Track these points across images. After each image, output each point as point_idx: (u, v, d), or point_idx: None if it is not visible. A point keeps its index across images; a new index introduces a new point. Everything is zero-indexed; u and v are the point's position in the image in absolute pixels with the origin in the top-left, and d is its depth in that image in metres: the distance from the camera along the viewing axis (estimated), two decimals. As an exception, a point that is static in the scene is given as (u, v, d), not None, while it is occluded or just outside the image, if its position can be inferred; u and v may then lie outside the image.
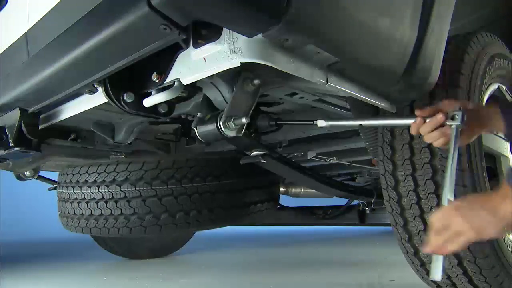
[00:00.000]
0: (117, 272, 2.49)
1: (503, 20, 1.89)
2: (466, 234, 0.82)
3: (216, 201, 1.51)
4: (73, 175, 1.60)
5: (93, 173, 1.53)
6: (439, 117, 0.97)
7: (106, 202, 1.50)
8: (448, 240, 0.83)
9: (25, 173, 2.06)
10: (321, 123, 1.14)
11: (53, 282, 2.18)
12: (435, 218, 0.86)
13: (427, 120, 0.99)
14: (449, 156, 0.95)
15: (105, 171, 1.51)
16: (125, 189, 1.47)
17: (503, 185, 0.82)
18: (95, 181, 1.52)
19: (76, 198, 1.59)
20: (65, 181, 1.64)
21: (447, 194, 0.92)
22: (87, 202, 1.55)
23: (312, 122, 1.16)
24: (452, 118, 0.97)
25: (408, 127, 1.11)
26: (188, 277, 2.23)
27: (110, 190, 1.49)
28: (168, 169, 1.47)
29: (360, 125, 1.17)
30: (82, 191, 1.55)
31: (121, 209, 1.48)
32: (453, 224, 0.82)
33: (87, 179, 1.54)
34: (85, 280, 2.27)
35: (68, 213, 1.63)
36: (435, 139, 1.00)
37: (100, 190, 1.51)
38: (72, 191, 1.59)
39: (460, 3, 1.16)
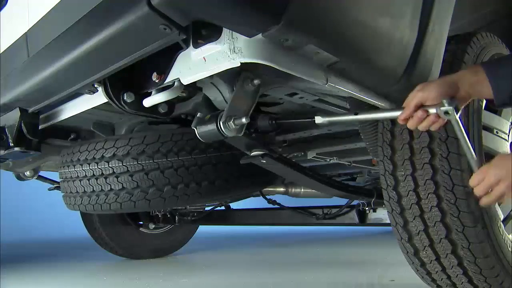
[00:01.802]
0: (117, 272, 2.49)
1: (503, 20, 1.89)
2: (505, 179, 0.87)
3: (203, 174, 1.52)
4: (68, 154, 1.63)
5: (84, 151, 1.57)
6: (419, 114, 0.95)
7: (96, 178, 1.53)
8: (493, 191, 0.89)
9: (25, 173, 2.06)
10: (319, 119, 1.13)
11: (53, 282, 2.18)
12: (472, 181, 0.93)
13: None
14: (461, 141, 0.98)
15: (94, 148, 1.54)
16: (113, 165, 1.50)
17: None
18: (86, 158, 1.55)
19: (71, 177, 1.62)
20: (62, 161, 1.68)
21: (474, 167, 0.96)
22: (80, 180, 1.58)
23: (311, 119, 1.16)
24: (446, 112, 0.95)
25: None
26: (188, 277, 2.23)
27: (99, 167, 1.52)
28: (154, 144, 1.48)
29: (355, 114, 1.16)
30: (76, 169, 1.58)
31: (110, 185, 1.51)
32: (488, 176, 0.89)
33: (79, 158, 1.57)
34: (85, 280, 2.28)
35: (66, 192, 1.67)
36: (427, 128, 0.98)
37: (90, 167, 1.54)
38: (67, 170, 1.63)
39: (460, 3, 1.16)
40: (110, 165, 1.50)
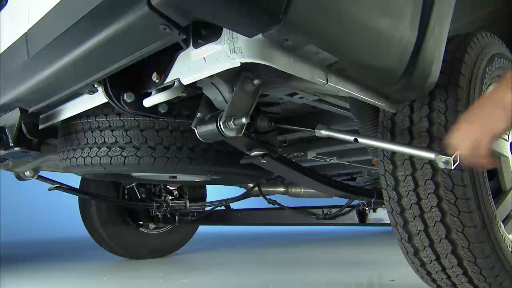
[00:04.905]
0: (117, 272, 2.49)
1: (503, 20, 1.89)
2: (483, 139, 0.85)
3: (197, 141, 1.53)
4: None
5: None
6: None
7: (92, 131, 1.56)
8: (474, 154, 0.87)
9: (25, 173, 2.06)
10: (319, 133, 1.13)
11: (53, 282, 2.18)
12: (452, 140, 0.91)
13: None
14: None
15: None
16: (110, 119, 1.53)
17: (504, 77, 0.84)
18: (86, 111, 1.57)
19: (69, 131, 1.64)
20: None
21: None
22: (76, 132, 1.60)
23: (312, 130, 1.17)
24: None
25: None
26: (188, 277, 2.23)
27: (97, 120, 1.55)
28: None
29: (355, 141, 1.15)
30: (75, 121, 1.61)
31: (104, 138, 1.54)
32: (467, 138, 0.87)
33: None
34: (85, 280, 2.28)
35: (62, 146, 1.69)
36: None
37: (88, 120, 1.57)
38: (66, 124, 1.65)
39: (460, 3, 1.16)
40: (107, 119, 1.53)
